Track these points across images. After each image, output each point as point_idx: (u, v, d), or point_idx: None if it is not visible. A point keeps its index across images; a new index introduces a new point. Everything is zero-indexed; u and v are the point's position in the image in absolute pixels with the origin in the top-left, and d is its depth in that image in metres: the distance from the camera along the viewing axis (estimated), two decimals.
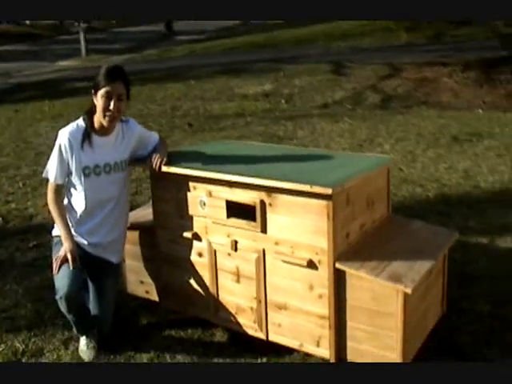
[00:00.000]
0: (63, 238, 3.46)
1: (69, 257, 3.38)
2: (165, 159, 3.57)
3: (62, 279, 3.36)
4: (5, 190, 6.80)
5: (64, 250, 3.42)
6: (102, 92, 3.42)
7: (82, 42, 21.11)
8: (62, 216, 3.52)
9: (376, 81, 12.47)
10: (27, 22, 31.15)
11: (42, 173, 6.61)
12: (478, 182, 6.43)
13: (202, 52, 19.26)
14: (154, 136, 3.82)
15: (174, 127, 9.61)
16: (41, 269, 4.73)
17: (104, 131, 3.55)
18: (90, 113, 3.53)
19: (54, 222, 3.61)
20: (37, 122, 10.51)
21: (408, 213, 4.31)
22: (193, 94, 12.45)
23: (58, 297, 3.36)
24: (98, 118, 3.50)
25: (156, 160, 3.56)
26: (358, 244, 3.33)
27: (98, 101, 3.44)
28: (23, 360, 3.60)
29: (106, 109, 3.43)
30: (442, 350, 3.49)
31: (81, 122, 3.54)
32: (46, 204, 3.70)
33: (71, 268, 3.37)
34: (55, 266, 3.42)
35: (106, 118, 3.46)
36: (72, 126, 3.52)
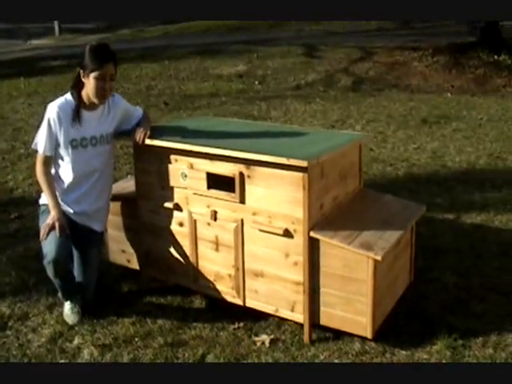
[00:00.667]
0: (51, 207, 3.59)
1: (56, 224, 3.52)
2: (148, 133, 3.70)
3: (49, 245, 3.49)
4: None
5: (52, 218, 3.55)
6: (95, 74, 3.53)
7: (55, 21, 20.87)
8: (50, 186, 3.64)
9: (348, 64, 12.64)
10: None
11: (19, 148, 6.78)
12: (446, 162, 6.66)
13: (176, 33, 19.23)
14: (138, 111, 3.95)
15: (150, 106, 9.66)
16: (23, 239, 4.84)
17: (91, 106, 3.67)
18: (76, 87, 3.65)
19: (41, 192, 3.74)
20: (13, 98, 10.52)
21: (379, 190, 4.45)
22: (167, 73, 12.50)
23: (45, 262, 3.49)
24: (87, 94, 3.61)
25: (140, 133, 3.69)
26: (332, 215, 3.50)
27: (91, 82, 3.55)
28: (9, 324, 3.74)
29: (100, 89, 3.56)
30: (410, 316, 3.69)
31: (69, 96, 3.65)
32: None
33: (58, 235, 3.50)
34: (43, 232, 3.55)
35: (99, 98, 3.60)
36: (61, 100, 3.63)
